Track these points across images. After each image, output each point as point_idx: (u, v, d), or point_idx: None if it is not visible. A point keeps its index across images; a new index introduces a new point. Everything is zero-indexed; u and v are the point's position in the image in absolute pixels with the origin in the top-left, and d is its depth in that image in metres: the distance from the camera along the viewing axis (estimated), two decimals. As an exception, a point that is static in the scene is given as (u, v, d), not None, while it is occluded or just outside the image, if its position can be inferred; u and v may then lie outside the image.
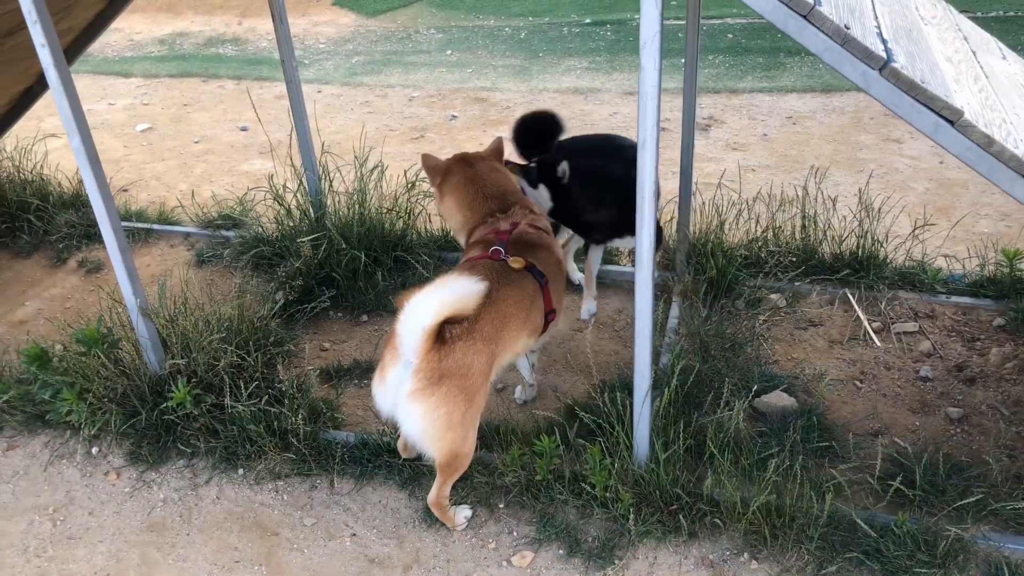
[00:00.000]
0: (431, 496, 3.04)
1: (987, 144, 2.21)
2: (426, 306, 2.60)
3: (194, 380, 3.46)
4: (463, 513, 3.14)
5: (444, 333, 2.69)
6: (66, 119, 2.98)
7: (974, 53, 3.10)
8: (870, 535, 2.85)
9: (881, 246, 4.29)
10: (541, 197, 3.82)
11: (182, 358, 3.46)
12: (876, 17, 2.56)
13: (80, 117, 3.00)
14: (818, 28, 2.15)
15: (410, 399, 2.69)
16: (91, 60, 9.43)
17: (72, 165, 5.72)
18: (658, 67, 2.31)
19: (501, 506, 3.19)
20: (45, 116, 6.94)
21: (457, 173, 3.44)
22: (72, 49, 4.72)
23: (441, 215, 3.65)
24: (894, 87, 2.20)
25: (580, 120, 7.11)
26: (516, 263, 3.04)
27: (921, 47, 2.58)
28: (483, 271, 2.93)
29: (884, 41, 2.34)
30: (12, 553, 3.16)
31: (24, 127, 5.34)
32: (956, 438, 3.39)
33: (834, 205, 4.37)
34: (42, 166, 5.45)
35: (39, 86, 4.83)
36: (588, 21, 10.09)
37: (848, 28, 2.18)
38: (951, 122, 2.21)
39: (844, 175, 5.69)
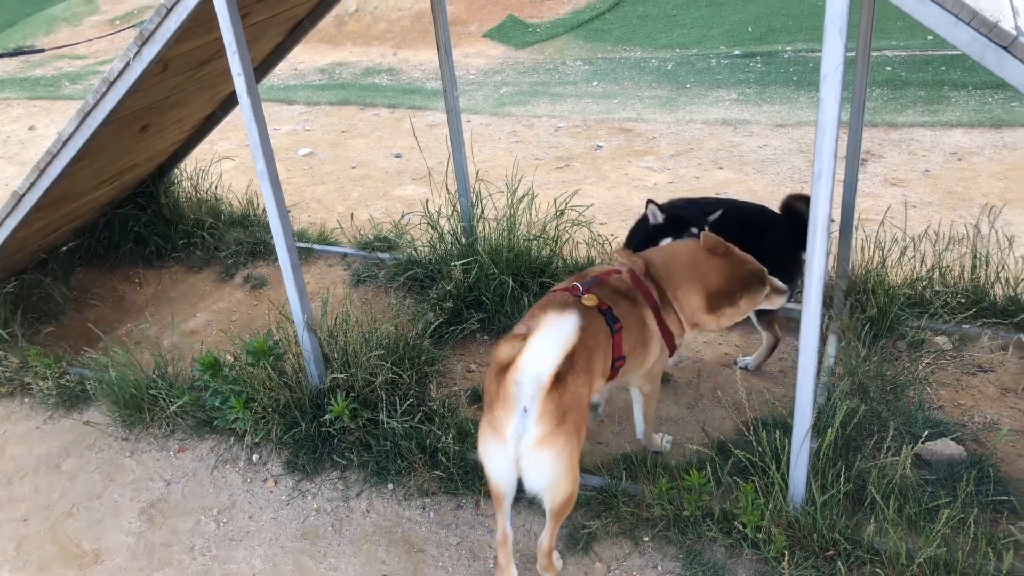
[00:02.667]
0: (546, 544, 2.88)
1: None
2: (547, 351, 2.50)
3: (352, 395, 3.60)
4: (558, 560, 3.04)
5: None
6: (254, 143, 3.19)
7: None
8: (1055, 602, 2.63)
9: (1064, 292, 4.00)
10: None
11: (342, 373, 3.61)
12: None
13: (266, 141, 3.21)
14: (1021, 60, 2.05)
15: (538, 447, 2.56)
16: (259, 88, 10.06)
17: (241, 186, 6.15)
18: (838, 99, 2.26)
19: (646, 539, 3.14)
20: (218, 140, 7.47)
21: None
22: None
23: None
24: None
25: (728, 152, 7.00)
26: (588, 300, 2.94)
27: None
28: (560, 306, 2.85)
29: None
30: (180, 550, 3.37)
31: (200, 150, 5.75)
32: None
33: (1010, 245, 4.11)
34: (216, 187, 5.84)
35: (220, 111, 5.21)
36: (737, 53, 9.95)
37: (1053, 59, 2.06)
38: None
39: (1019, 214, 5.34)
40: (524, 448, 2.58)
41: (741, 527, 2.99)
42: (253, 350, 3.65)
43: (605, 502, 3.27)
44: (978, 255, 4.15)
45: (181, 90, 4.17)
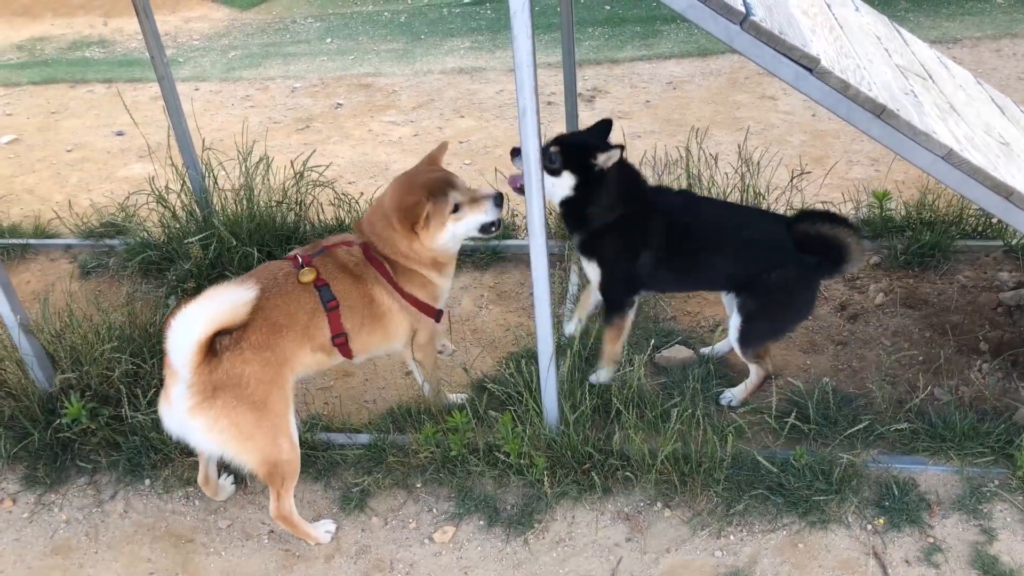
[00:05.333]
0: (271, 510, 2.94)
1: (844, 88, 2.34)
2: (192, 320, 2.58)
3: (88, 393, 3.34)
4: (324, 527, 3.07)
5: (215, 345, 2.67)
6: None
7: (828, 6, 3.25)
8: (772, 471, 2.99)
9: (763, 198, 4.46)
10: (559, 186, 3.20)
11: (73, 372, 3.33)
12: (734, -26, 2.65)
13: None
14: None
15: (190, 415, 2.69)
16: (-56, 73, 8.87)
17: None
18: (530, 35, 2.34)
19: (418, 485, 3.21)
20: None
21: None
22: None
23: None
24: (755, 39, 2.29)
25: (467, 100, 7.11)
26: (305, 276, 2.92)
27: (778, 1, 2.70)
28: (259, 279, 2.86)
29: (743, -4, 2.44)
30: (-94, 595, 3.00)
31: None
32: (844, 372, 3.58)
33: (715, 162, 4.52)
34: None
35: None
36: (468, 1, 10.07)
37: (708, -15, 2.26)
38: (810, 70, 2.32)
39: (725, 134, 5.89)
40: (182, 414, 2.71)
41: (504, 457, 3.13)
42: (-39, 363, 3.28)
43: (375, 457, 3.29)
44: (691, 174, 4.53)
45: None
